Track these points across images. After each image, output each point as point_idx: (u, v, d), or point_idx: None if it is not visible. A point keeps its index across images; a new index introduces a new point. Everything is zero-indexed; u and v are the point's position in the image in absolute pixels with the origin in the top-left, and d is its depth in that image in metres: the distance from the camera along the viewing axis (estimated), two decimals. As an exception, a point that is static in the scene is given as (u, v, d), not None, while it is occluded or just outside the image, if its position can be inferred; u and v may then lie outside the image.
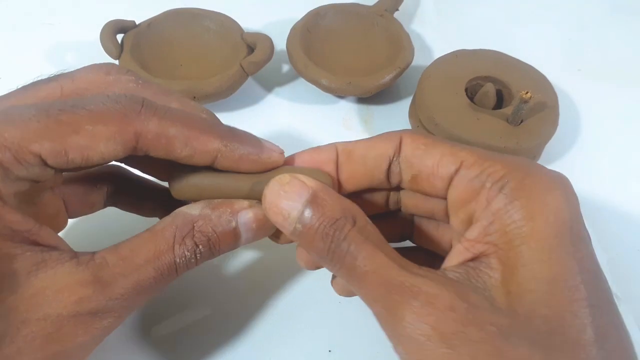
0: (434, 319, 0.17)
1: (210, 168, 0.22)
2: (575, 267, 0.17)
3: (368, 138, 0.22)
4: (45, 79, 0.22)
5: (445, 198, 0.21)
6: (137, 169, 0.25)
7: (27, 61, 0.41)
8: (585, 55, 0.44)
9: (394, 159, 0.22)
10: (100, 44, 0.36)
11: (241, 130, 0.22)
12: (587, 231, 0.19)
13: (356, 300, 0.27)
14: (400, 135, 0.22)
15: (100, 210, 0.26)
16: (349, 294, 0.26)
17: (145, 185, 0.27)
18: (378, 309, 0.19)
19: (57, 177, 0.21)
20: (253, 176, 0.22)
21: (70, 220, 0.25)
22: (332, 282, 0.25)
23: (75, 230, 0.29)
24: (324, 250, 0.19)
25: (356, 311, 0.28)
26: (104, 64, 0.23)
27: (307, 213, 0.19)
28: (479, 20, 0.47)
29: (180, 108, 0.22)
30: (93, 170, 0.25)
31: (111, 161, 0.20)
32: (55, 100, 0.21)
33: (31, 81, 0.22)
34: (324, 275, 0.28)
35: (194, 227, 0.21)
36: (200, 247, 0.21)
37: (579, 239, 0.18)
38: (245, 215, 0.21)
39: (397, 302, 0.17)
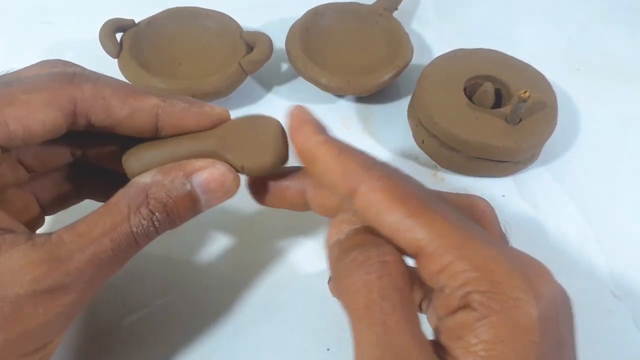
0: None
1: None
2: None
3: (336, 153, 0.19)
4: None
5: None
6: (105, 165, 0.25)
7: (26, 60, 0.40)
8: (584, 54, 0.44)
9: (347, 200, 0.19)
10: (99, 42, 0.36)
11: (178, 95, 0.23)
12: (568, 333, 0.17)
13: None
14: (359, 180, 0.18)
15: (81, 205, 0.26)
16: None
17: (117, 174, 0.26)
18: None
19: (16, 170, 0.21)
20: (202, 133, 0.22)
21: (53, 217, 0.25)
22: (329, 282, 0.25)
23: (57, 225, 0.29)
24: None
25: (355, 310, 0.28)
26: (52, 59, 0.24)
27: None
28: (478, 19, 0.47)
29: None
30: (62, 164, 0.25)
31: (56, 133, 0.20)
32: None
33: None
34: (323, 273, 0.28)
35: (147, 195, 0.20)
36: (157, 214, 0.20)
37: (557, 351, 0.16)
38: (200, 176, 0.21)
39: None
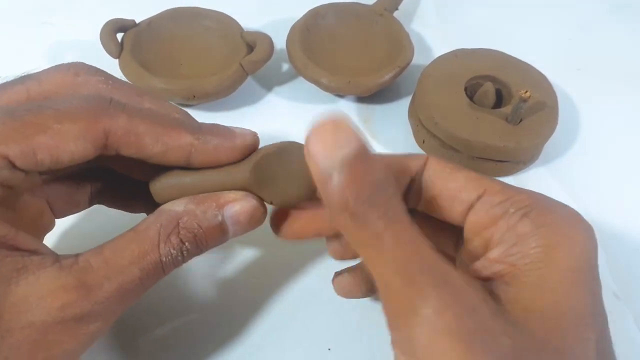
0: (457, 312, 0.16)
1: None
2: (590, 305, 0.18)
3: (392, 153, 0.23)
4: (11, 81, 0.22)
5: (457, 224, 0.21)
6: (118, 170, 0.25)
7: (27, 60, 0.41)
8: (584, 54, 0.44)
9: (417, 176, 0.21)
10: (100, 43, 0.36)
11: (210, 124, 0.22)
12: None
13: (356, 298, 0.27)
14: (426, 156, 0.22)
15: (90, 209, 0.26)
16: (348, 294, 0.25)
17: (130, 181, 0.26)
18: (396, 283, 0.17)
19: (32, 179, 0.21)
20: (232, 166, 0.22)
21: (60, 220, 0.24)
22: (333, 281, 0.25)
23: (66, 229, 0.29)
24: (359, 205, 0.16)
25: (356, 309, 0.28)
26: (72, 63, 0.23)
27: (354, 158, 0.16)
28: (479, 19, 0.47)
29: (153, 108, 0.22)
30: (76, 169, 0.25)
31: (82, 161, 0.20)
32: (22, 103, 0.20)
33: None
34: (324, 273, 0.28)
35: (178, 224, 0.20)
36: (187, 244, 0.20)
37: (596, 279, 0.18)
38: (232, 208, 0.21)
39: (422, 282, 0.16)
